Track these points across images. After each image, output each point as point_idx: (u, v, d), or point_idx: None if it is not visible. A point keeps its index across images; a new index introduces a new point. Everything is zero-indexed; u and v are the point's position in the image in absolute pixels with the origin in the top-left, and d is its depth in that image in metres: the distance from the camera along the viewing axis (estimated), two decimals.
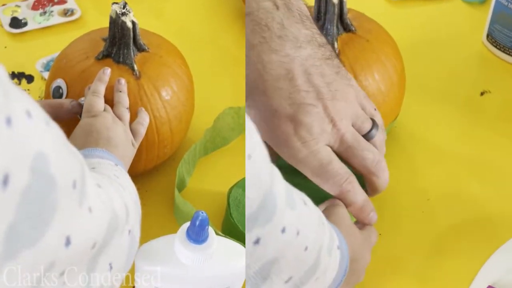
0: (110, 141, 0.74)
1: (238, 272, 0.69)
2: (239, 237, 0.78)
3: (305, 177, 0.69)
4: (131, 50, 0.84)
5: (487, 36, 1.10)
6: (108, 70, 0.82)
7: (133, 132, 0.80)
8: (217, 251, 0.66)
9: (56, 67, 0.87)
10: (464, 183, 0.91)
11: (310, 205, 0.59)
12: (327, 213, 0.68)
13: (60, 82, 0.84)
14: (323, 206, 0.70)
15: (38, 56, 1.04)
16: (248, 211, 0.51)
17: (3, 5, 1.12)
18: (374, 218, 0.72)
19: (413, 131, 0.96)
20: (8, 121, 0.38)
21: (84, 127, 0.76)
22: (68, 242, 0.45)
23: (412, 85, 0.93)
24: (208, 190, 0.90)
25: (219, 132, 0.95)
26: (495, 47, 1.10)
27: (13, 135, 0.38)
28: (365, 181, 0.72)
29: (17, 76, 1.02)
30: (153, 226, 0.85)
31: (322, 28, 0.80)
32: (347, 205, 0.70)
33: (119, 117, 0.80)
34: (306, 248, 0.57)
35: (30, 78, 1.02)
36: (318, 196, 0.73)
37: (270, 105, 0.66)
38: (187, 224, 0.65)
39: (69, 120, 0.83)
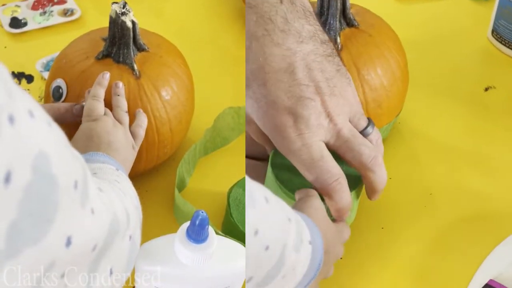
0: (111, 145, 0.74)
1: (238, 271, 0.69)
2: (239, 237, 0.78)
3: (299, 174, 0.69)
4: (131, 50, 0.84)
5: (492, 31, 1.11)
6: (107, 75, 0.82)
7: (133, 134, 0.80)
8: (217, 251, 0.66)
9: (56, 67, 0.87)
10: (467, 178, 0.91)
11: (273, 202, 0.58)
12: (302, 203, 0.68)
13: (60, 82, 0.84)
14: (298, 195, 0.70)
15: (38, 56, 1.04)
16: None
17: (3, 5, 1.13)
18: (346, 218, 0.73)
19: (417, 126, 0.96)
20: (11, 119, 0.38)
21: (85, 132, 0.76)
22: (69, 242, 0.45)
23: (417, 80, 0.93)
24: (208, 190, 0.90)
25: (219, 132, 0.95)
26: (500, 42, 1.10)
27: (15, 133, 0.39)
28: (363, 180, 0.72)
29: (17, 76, 1.02)
30: (153, 226, 0.85)
31: (325, 22, 0.80)
32: (329, 204, 0.69)
33: (119, 121, 0.80)
34: (267, 248, 0.56)
35: (30, 78, 1.02)
36: None
37: (269, 96, 0.66)
38: (187, 223, 0.65)
39: (68, 123, 0.83)
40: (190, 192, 0.89)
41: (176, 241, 0.66)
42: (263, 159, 0.77)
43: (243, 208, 0.82)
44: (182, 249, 0.65)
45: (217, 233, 0.68)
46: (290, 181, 0.72)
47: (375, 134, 0.72)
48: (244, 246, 0.71)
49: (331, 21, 0.80)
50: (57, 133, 0.44)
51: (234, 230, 0.81)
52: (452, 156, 0.93)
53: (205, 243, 0.65)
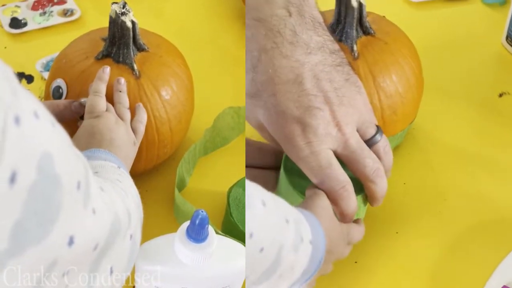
0: (112, 142, 0.74)
1: (238, 271, 0.69)
2: (239, 236, 0.78)
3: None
4: (131, 50, 0.84)
5: (507, 37, 1.10)
6: (107, 69, 0.82)
7: (134, 130, 0.81)
8: (217, 250, 0.66)
9: (56, 67, 0.87)
10: (481, 183, 0.90)
11: (271, 205, 0.59)
12: (310, 201, 0.69)
13: (60, 82, 0.84)
14: (307, 192, 0.71)
15: (38, 56, 1.04)
16: None
17: (3, 5, 1.13)
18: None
19: (431, 132, 0.96)
20: (17, 120, 0.39)
21: (87, 129, 0.76)
22: (71, 241, 0.46)
23: (431, 86, 0.93)
24: (208, 190, 0.90)
25: (219, 132, 0.95)
26: None
27: (21, 134, 0.39)
28: (364, 188, 0.73)
29: (17, 76, 1.02)
30: (153, 225, 0.85)
31: (342, 31, 0.82)
32: (336, 210, 0.71)
33: (120, 117, 0.80)
34: (261, 250, 0.58)
35: (30, 78, 1.03)
36: None
37: (278, 106, 0.68)
38: (187, 223, 0.65)
39: (68, 121, 0.83)
40: (190, 192, 0.89)
41: (176, 241, 0.66)
42: (268, 168, 0.78)
43: (243, 207, 0.82)
44: (182, 249, 0.65)
45: (217, 233, 0.68)
46: (301, 183, 0.74)
47: (383, 141, 0.73)
48: (244, 245, 0.71)
49: (348, 30, 0.81)
50: (61, 133, 0.45)
51: (234, 229, 0.81)
52: (466, 161, 0.93)
53: (205, 242, 0.65)
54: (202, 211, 0.64)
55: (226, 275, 0.70)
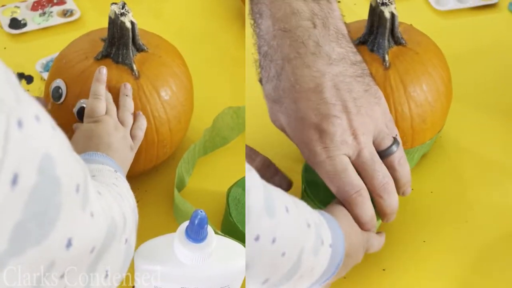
0: (110, 146, 0.75)
1: (238, 271, 0.70)
2: (239, 236, 0.78)
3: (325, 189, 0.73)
4: (130, 50, 0.84)
5: None
6: (104, 69, 0.82)
7: (132, 136, 0.81)
8: (216, 250, 0.66)
9: (55, 68, 0.88)
10: (509, 194, 0.89)
11: (293, 211, 0.61)
12: (334, 206, 0.72)
13: (59, 82, 0.85)
14: (335, 200, 0.73)
15: (37, 56, 1.04)
16: None
17: (3, 6, 1.13)
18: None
19: (459, 141, 0.95)
20: (20, 123, 0.39)
21: (86, 133, 0.77)
22: (69, 244, 0.46)
23: (458, 95, 0.92)
24: (208, 190, 0.90)
25: (218, 132, 0.95)
26: None
27: (23, 137, 0.40)
28: (374, 202, 0.74)
29: (17, 77, 1.02)
30: (153, 225, 0.85)
31: (374, 41, 0.83)
32: (352, 216, 0.72)
33: (122, 121, 0.80)
34: (283, 254, 0.59)
35: (29, 79, 1.03)
36: None
37: (298, 113, 0.72)
38: (186, 223, 0.66)
39: (69, 124, 0.83)
40: (190, 192, 0.90)
41: (175, 241, 0.66)
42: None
43: (242, 207, 0.82)
44: (181, 249, 0.65)
45: (216, 233, 0.68)
46: (317, 194, 0.78)
47: (398, 153, 0.75)
48: (243, 245, 0.72)
49: (380, 40, 0.82)
50: (61, 137, 0.45)
51: (233, 229, 0.81)
52: (494, 171, 0.92)
53: (204, 242, 0.65)
54: (201, 211, 0.64)
55: (225, 275, 0.70)
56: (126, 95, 0.82)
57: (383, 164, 0.73)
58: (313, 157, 0.72)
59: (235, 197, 0.83)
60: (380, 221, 0.77)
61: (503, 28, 1.15)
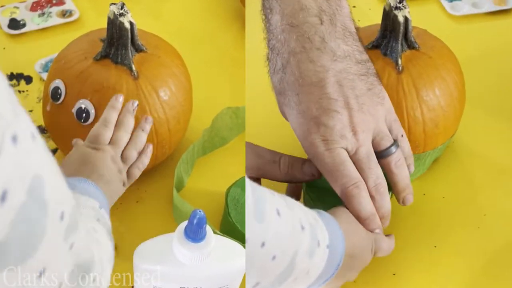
0: (102, 177, 0.73)
1: (236, 271, 0.70)
2: (238, 236, 0.78)
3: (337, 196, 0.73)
4: (129, 51, 0.84)
5: None
6: (121, 97, 0.80)
7: (129, 174, 0.79)
8: (215, 250, 0.66)
9: (54, 68, 0.88)
10: None
11: (285, 214, 0.60)
12: (336, 208, 0.72)
13: (58, 82, 0.85)
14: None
15: (36, 57, 1.04)
16: None
17: (2, 6, 1.13)
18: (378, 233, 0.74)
19: (472, 146, 0.95)
20: (15, 139, 0.39)
21: (82, 157, 0.74)
22: (41, 274, 0.45)
23: (472, 100, 0.92)
24: (207, 190, 0.90)
25: (217, 132, 0.95)
26: None
27: (17, 153, 0.39)
28: None
29: (16, 77, 1.03)
30: (152, 225, 0.85)
31: (387, 45, 0.83)
32: (351, 211, 0.72)
33: (126, 158, 0.78)
34: (274, 258, 0.59)
35: (28, 79, 1.03)
36: None
37: (300, 106, 0.72)
38: (185, 223, 0.66)
39: (68, 125, 0.83)
40: (189, 192, 0.90)
41: (174, 240, 0.66)
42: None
43: (241, 207, 0.82)
44: (180, 248, 0.65)
45: (215, 233, 0.68)
46: (318, 195, 0.79)
47: (396, 155, 0.75)
48: (242, 245, 0.72)
49: (393, 44, 0.83)
50: (53, 161, 0.45)
51: (232, 229, 0.81)
52: (507, 176, 0.92)
53: (203, 242, 0.66)
54: (200, 211, 0.64)
55: (224, 274, 0.70)
56: (142, 130, 0.81)
57: (378, 165, 0.74)
58: (312, 149, 0.72)
59: (234, 197, 0.83)
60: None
61: None
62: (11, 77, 1.03)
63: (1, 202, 0.38)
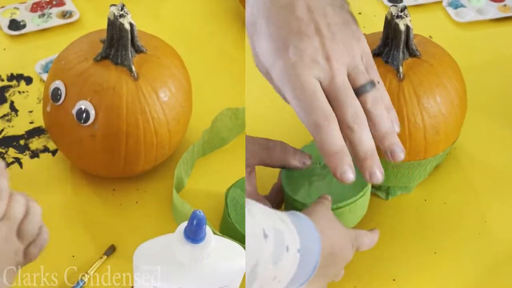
0: None
1: (236, 271, 0.70)
2: (237, 237, 0.78)
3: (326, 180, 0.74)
4: (129, 52, 0.85)
5: None
6: (2, 163, 0.64)
7: (26, 253, 0.64)
8: (215, 251, 0.66)
9: (54, 69, 0.88)
10: None
11: (246, 223, 0.59)
12: (312, 207, 0.70)
13: (58, 83, 0.85)
14: (313, 204, 0.72)
15: (37, 57, 1.04)
16: None
17: (2, 7, 1.13)
18: (348, 176, 0.68)
19: (473, 153, 0.95)
20: None
21: None
22: None
23: (474, 107, 0.92)
24: (206, 191, 0.90)
25: (217, 133, 0.95)
26: None
27: None
28: (344, 139, 0.69)
29: (16, 78, 1.03)
30: (152, 226, 0.86)
31: (388, 53, 0.84)
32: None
33: (24, 233, 0.63)
34: None
35: (29, 80, 1.03)
36: (339, 198, 0.77)
37: (268, 29, 0.69)
38: (185, 223, 0.66)
39: (68, 125, 0.84)
40: (188, 193, 0.90)
41: (174, 241, 0.66)
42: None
43: (241, 208, 0.82)
44: (180, 249, 0.66)
45: (214, 233, 0.68)
46: (295, 190, 0.78)
47: (373, 94, 0.70)
48: (242, 246, 0.72)
49: (395, 52, 0.83)
50: None
51: (231, 230, 0.81)
52: (508, 183, 0.92)
53: (203, 242, 0.66)
54: (200, 212, 0.64)
55: (224, 275, 0.70)
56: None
57: (356, 98, 0.69)
58: (281, 76, 0.68)
59: (233, 198, 0.83)
60: (368, 191, 0.77)
61: None
62: (11, 78, 1.03)
63: None
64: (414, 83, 0.82)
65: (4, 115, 0.97)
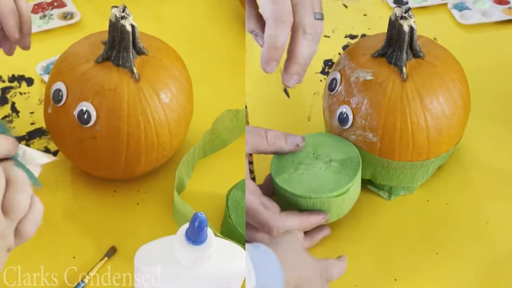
0: None
1: (237, 273, 0.70)
2: (238, 238, 0.78)
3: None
4: (131, 53, 0.85)
5: None
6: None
7: (17, 231, 0.57)
8: (216, 252, 0.66)
9: (56, 70, 0.88)
10: None
11: None
12: (278, 239, 0.72)
13: (60, 85, 0.85)
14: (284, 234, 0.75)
15: (38, 59, 1.05)
16: None
17: None
18: (272, 68, 0.78)
19: (476, 154, 0.95)
20: None
21: None
22: None
23: (478, 108, 0.93)
24: (207, 192, 0.91)
25: (218, 135, 0.95)
26: None
27: None
28: None
29: (17, 79, 1.03)
30: (153, 228, 0.86)
31: (392, 54, 0.84)
32: (268, 36, 0.76)
33: (8, 208, 0.55)
34: None
35: (30, 81, 1.03)
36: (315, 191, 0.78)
37: None
38: (186, 225, 0.66)
39: (69, 127, 0.84)
40: (189, 194, 0.90)
41: (176, 243, 0.66)
42: None
43: (242, 210, 0.83)
44: (181, 250, 0.66)
45: (215, 235, 0.68)
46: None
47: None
48: (243, 247, 0.72)
49: (398, 53, 0.84)
50: None
51: (232, 232, 0.81)
52: (511, 185, 0.92)
53: (204, 244, 0.66)
54: (201, 214, 0.64)
55: (225, 276, 0.70)
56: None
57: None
58: None
59: (234, 200, 0.84)
60: (346, 193, 0.79)
61: None
62: (12, 79, 1.03)
63: None
64: (417, 84, 0.83)
65: (5, 116, 0.98)
